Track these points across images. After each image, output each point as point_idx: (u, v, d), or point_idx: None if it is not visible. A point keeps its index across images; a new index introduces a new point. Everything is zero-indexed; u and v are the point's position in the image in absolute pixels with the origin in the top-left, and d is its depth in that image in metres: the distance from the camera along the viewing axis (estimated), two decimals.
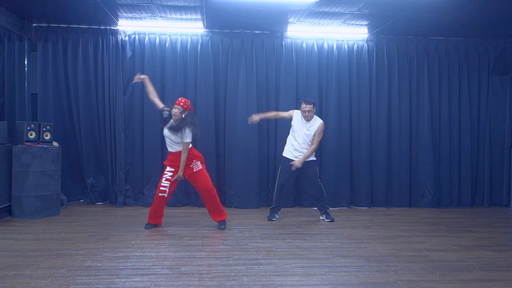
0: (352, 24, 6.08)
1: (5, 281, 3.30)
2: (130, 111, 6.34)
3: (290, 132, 5.57)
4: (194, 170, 5.00)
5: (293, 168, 5.40)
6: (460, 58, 6.75)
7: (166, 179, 4.96)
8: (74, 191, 6.48)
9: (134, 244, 4.38)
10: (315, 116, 5.54)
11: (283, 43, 6.47)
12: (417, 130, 6.68)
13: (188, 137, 4.86)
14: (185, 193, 6.40)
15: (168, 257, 4.01)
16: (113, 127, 6.27)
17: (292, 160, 5.44)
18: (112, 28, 6.27)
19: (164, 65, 6.33)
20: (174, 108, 4.84)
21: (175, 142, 4.93)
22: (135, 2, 5.27)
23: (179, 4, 5.32)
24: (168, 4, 5.31)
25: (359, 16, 5.70)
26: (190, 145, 4.98)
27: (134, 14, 5.77)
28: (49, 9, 5.64)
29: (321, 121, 5.55)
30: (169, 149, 5.04)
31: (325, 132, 6.39)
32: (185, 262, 3.84)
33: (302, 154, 5.42)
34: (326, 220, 5.61)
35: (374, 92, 6.58)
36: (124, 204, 6.30)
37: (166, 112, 5.01)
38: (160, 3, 5.27)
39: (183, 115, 4.86)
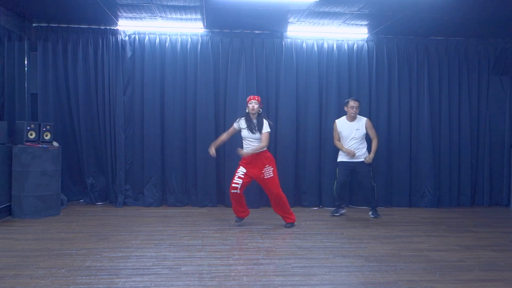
0: (352, 24, 6.08)
1: (5, 281, 3.30)
2: (130, 111, 6.33)
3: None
4: (265, 177, 5.07)
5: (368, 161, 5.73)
6: (460, 58, 6.75)
7: (239, 177, 5.08)
8: (74, 191, 6.48)
9: (134, 244, 4.38)
10: (358, 115, 5.85)
11: (283, 43, 6.47)
12: (417, 130, 6.67)
13: (267, 127, 5.13)
14: (185, 193, 6.40)
15: (168, 257, 4.01)
16: (113, 127, 6.27)
17: (347, 162, 5.79)
18: (112, 28, 6.27)
19: (164, 65, 6.33)
20: (251, 103, 5.13)
21: (255, 138, 5.10)
22: (135, 2, 5.27)
23: (179, 4, 5.32)
24: (168, 4, 5.31)
25: (359, 16, 5.70)
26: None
27: (134, 14, 5.77)
28: (49, 9, 5.64)
29: (366, 118, 5.91)
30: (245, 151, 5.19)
31: (325, 132, 6.42)
32: (185, 262, 3.84)
33: (358, 151, 5.73)
34: (371, 216, 5.86)
35: (374, 92, 6.58)
36: (124, 204, 6.30)
37: (237, 124, 5.28)
38: (160, 3, 5.27)
39: (260, 110, 5.19)
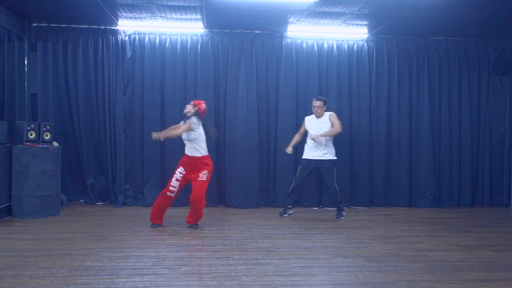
0: (352, 24, 6.09)
1: (5, 281, 3.30)
2: (130, 111, 6.34)
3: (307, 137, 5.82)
4: (198, 179, 5.00)
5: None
6: (460, 58, 6.75)
7: (177, 179, 5.04)
8: (74, 191, 6.48)
9: (134, 244, 4.38)
10: (325, 112, 5.79)
11: (283, 43, 6.47)
12: (417, 130, 6.67)
13: (190, 120, 4.95)
14: (185, 193, 6.38)
15: (168, 257, 4.01)
16: (113, 127, 6.27)
17: (310, 160, 5.72)
18: (112, 28, 6.26)
19: (164, 65, 6.33)
20: (189, 106, 5.07)
21: (191, 139, 4.98)
22: (135, 2, 5.27)
23: (179, 4, 5.32)
24: (168, 4, 5.31)
25: (359, 16, 5.70)
26: (206, 153, 5.06)
27: (134, 14, 5.77)
28: (49, 9, 5.64)
29: (330, 112, 5.83)
30: (186, 153, 5.11)
31: None
32: (185, 262, 3.84)
33: (320, 150, 5.66)
34: (335, 216, 5.82)
35: (374, 92, 6.58)
36: (124, 204, 6.30)
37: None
38: (160, 3, 5.27)
39: (194, 111, 5.03)
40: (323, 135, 5.62)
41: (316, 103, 5.71)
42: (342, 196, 5.87)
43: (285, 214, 5.84)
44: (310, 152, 5.71)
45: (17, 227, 5.02)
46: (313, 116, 5.82)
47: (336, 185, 5.73)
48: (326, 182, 5.78)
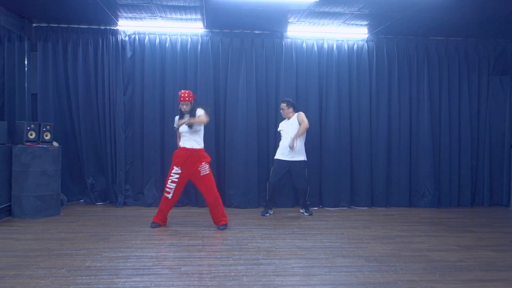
0: (352, 24, 6.09)
1: (5, 281, 3.30)
2: (130, 111, 6.34)
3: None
4: (201, 174, 4.95)
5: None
6: (460, 58, 6.75)
7: (173, 181, 4.96)
8: (74, 191, 6.47)
9: (134, 244, 4.38)
10: (295, 113, 5.87)
11: (283, 43, 6.47)
12: (417, 130, 6.68)
13: (201, 111, 4.95)
14: (185, 193, 6.38)
15: (168, 257, 4.01)
16: (113, 127, 6.27)
17: (282, 160, 5.79)
18: (112, 28, 6.27)
19: (164, 65, 6.33)
20: (182, 105, 4.98)
21: (195, 131, 4.92)
22: (135, 2, 5.27)
23: (179, 4, 5.32)
24: (168, 4, 5.31)
25: (359, 16, 5.70)
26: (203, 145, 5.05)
27: (134, 14, 5.77)
28: (49, 9, 5.64)
29: (298, 112, 5.89)
30: (182, 145, 4.98)
31: (325, 132, 6.44)
32: (185, 262, 3.84)
33: (292, 151, 5.71)
34: (305, 214, 5.95)
35: (374, 92, 6.59)
36: (124, 204, 6.30)
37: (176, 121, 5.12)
38: (160, 3, 5.27)
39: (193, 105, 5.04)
40: (295, 138, 5.65)
41: (281, 105, 5.87)
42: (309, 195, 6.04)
43: (267, 213, 5.88)
44: (282, 153, 5.78)
45: (17, 227, 5.02)
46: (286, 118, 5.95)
47: (307, 187, 5.91)
48: (297, 184, 5.87)
